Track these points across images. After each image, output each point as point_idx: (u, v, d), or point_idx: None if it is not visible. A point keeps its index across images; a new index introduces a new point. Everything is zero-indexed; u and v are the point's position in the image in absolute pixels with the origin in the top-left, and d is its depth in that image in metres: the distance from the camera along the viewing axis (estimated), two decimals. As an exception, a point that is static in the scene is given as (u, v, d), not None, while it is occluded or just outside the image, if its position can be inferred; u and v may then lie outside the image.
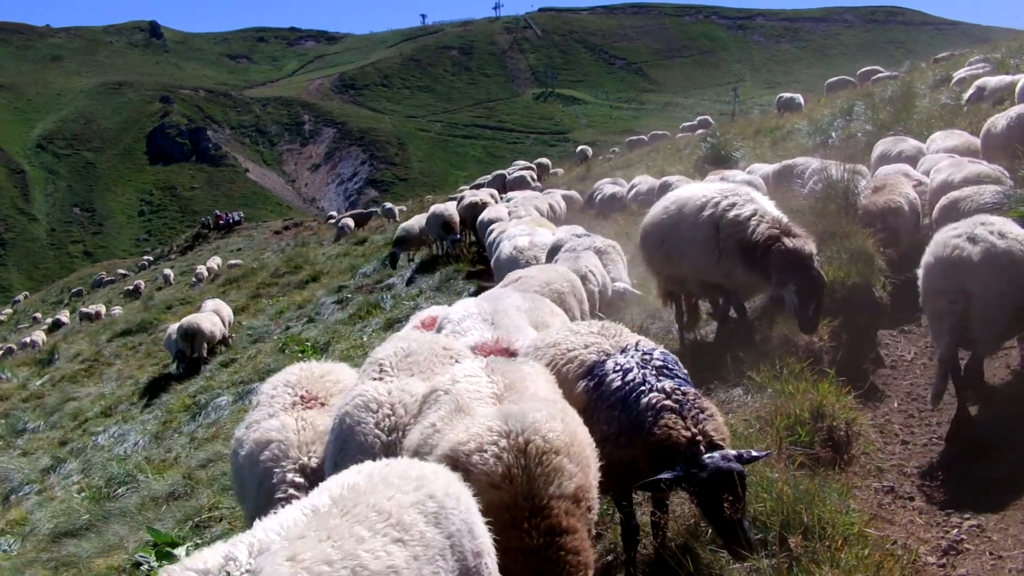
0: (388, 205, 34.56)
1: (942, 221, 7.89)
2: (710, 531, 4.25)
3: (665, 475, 3.71)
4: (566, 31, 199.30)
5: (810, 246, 6.03)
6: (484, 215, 15.73)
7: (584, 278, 8.35)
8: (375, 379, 4.46)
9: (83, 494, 10.65)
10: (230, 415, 12.74)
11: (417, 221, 20.04)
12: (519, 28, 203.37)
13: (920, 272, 6.07)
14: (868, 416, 6.10)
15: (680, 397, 3.94)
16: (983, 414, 6.02)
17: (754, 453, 3.91)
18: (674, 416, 3.87)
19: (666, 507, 4.41)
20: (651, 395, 3.94)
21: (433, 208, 18.97)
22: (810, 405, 5.27)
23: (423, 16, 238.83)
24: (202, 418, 13.35)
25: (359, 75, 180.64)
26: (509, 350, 5.10)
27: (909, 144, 12.12)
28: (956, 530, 4.58)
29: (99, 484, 10.71)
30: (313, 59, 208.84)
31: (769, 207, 6.46)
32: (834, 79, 31.70)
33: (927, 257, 5.94)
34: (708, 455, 3.70)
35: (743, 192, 6.69)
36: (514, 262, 9.64)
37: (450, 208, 18.50)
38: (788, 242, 5.97)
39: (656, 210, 7.46)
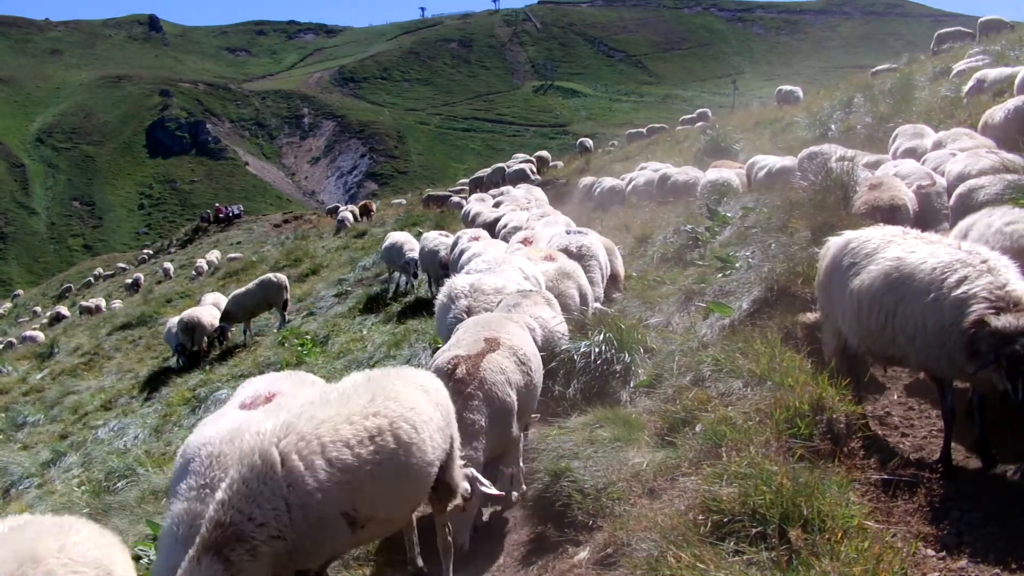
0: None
1: (958, 211, 7.89)
2: (709, 524, 4.24)
3: None
4: (565, 24, 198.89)
5: None
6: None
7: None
8: None
9: (83, 488, 10.66)
10: (230, 408, 12.72)
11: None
12: (518, 21, 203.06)
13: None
14: (868, 408, 6.09)
15: None
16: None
17: None
18: None
19: None
20: None
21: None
22: (809, 398, 5.27)
23: (422, 9, 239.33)
24: (202, 411, 13.34)
25: (358, 68, 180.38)
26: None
27: (911, 141, 12.09)
28: (956, 523, 4.57)
29: (99, 478, 10.71)
30: (312, 52, 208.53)
31: (1007, 272, 4.91)
32: (948, 30, 28.88)
33: (1000, 242, 5.91)
34: None
35: (979, 258, 5.00)
36: (445, 311, 8.08)
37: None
38: (996, 321, 4.62)
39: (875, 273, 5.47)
